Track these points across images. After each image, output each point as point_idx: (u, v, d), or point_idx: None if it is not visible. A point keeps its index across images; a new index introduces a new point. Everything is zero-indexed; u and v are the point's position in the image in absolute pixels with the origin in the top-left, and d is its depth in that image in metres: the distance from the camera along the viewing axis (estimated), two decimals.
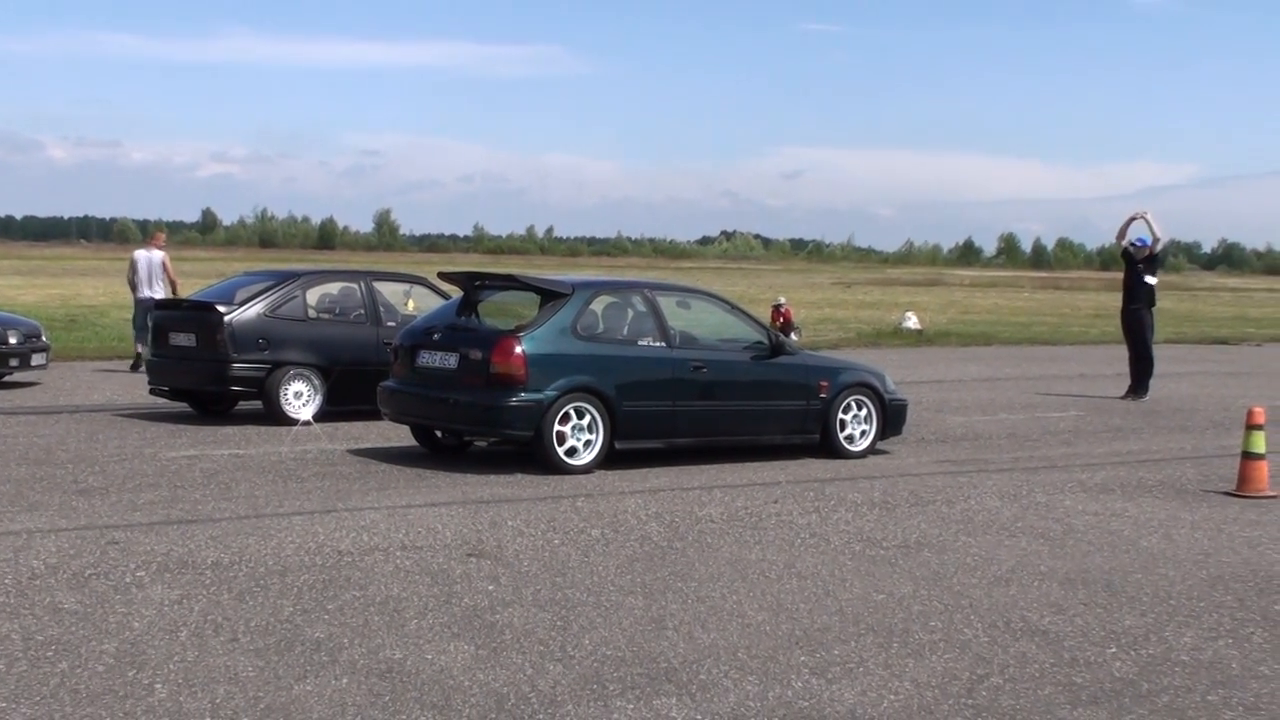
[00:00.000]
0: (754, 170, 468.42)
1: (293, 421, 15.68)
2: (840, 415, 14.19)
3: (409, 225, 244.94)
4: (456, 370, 12.86)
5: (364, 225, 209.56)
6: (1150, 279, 20.88)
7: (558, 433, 12.56)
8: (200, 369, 16.12)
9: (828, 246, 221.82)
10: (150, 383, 16.91)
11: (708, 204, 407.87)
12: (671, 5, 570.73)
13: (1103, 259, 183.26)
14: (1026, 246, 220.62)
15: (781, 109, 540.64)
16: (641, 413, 13.01)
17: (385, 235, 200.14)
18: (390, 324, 16.51)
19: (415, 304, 17.75)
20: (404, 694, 6.21)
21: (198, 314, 16.32)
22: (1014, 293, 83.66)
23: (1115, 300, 22.02)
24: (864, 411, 14.36)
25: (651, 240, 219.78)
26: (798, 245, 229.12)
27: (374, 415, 14.96)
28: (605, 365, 12.86)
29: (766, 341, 14.02)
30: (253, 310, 16.03)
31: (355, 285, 17.11)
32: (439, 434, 13.83)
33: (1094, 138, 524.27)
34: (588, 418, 12.69)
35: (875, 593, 8.34)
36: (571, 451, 12.62)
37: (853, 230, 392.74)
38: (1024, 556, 9.50)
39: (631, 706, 6.13)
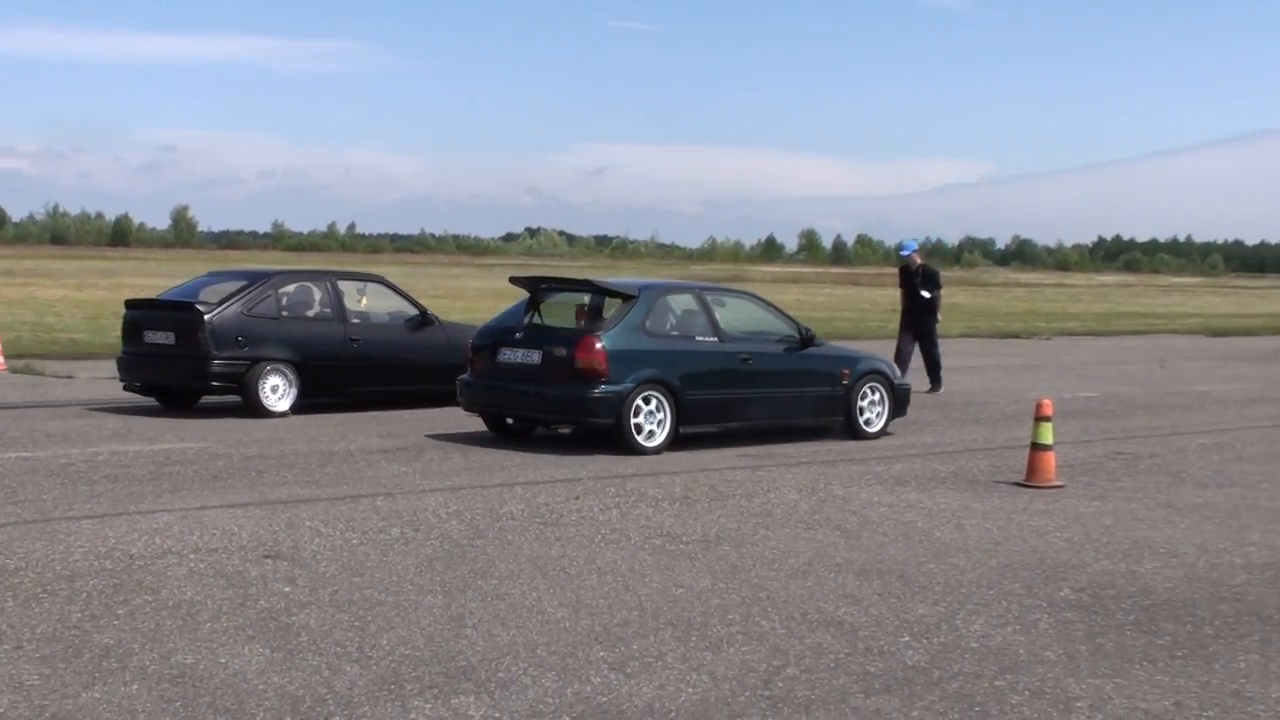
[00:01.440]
0: (558, 167, 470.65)
1: (270, 414, 16.49)
2: (859, 400, 15.79)
3: (207, 222, 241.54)
4: (540, 365, 14.37)
5: (161, 222, 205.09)
6: (926, 294, 21.78)
7: (634, 420, 14.06)
8: (181, 366, 16.79)
9: (632, 243, 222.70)
10: (123, 379, 17.38)
11: (511, 201, 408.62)
12: (476, 1, 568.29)
13: None
14: (827, 243, 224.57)
15: (585, 106, 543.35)
16: (702, 400, 14.65)
17: (182, 232, 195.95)
18: (355, 321, 17.74)
19: (368, 301, 18.80)
20: (196, 699, 6.08)
21: (177, 313, 16.98)
22: (816, 289, 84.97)
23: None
24: (878, 396, 16.02)
25: (455, 237, 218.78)
26: (602, 242, 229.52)
27: (341, 407, 17.18)
28: (670, 359, 14.49)
29: (798, 334, 15.61)
30: (231, 309, 16.77)
31: (321, 285, 17.94)
32: (509, 421, 15.20)
33: (891, 136, 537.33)
34: (657, 405, 14.25)
35: (674, 587, 8.40)
36: (642, 433, 14.15)
37: (656, 227, 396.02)
38: (821, 549, 9.65)
39: (429, 706, 6.09)
